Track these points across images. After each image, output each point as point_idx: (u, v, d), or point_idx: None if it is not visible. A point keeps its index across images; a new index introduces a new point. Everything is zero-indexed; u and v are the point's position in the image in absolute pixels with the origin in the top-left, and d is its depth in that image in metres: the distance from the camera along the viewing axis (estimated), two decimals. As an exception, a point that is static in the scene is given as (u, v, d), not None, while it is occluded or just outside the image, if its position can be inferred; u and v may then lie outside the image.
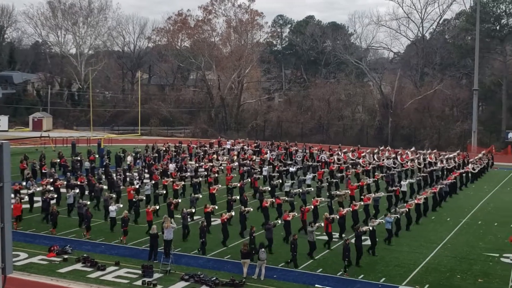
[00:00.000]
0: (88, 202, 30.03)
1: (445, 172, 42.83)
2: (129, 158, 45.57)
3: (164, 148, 52.30)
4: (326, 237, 25.43)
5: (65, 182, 35.33)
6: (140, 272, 21.81)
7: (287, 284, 21.18)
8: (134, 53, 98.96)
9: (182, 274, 21.61)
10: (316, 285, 21.07)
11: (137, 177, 38.05)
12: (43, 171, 40.10)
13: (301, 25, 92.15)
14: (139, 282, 21.05)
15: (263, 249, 21.79)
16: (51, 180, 35.04)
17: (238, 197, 31.05)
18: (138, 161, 45.69)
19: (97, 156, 46.85)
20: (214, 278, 21.15)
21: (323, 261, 23.75)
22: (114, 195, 31.78)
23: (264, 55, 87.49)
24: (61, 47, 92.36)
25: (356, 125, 76.61)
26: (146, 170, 41.98)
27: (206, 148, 53.23)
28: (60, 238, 26.61)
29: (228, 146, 55.87)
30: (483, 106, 78.67)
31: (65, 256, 23.56)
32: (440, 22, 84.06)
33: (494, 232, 29.03)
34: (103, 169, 41.51)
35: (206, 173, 39.43)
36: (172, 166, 41.69)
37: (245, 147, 54.62)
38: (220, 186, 34.28)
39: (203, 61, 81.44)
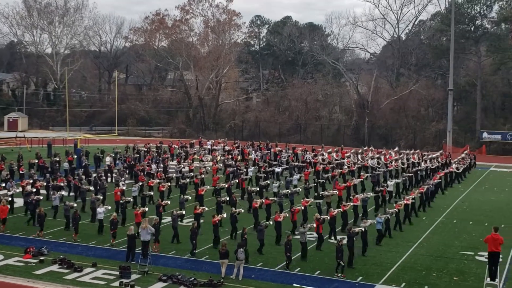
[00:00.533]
0: (75, 204, 29.55)
1: (429, 172, 43.32)
2: (108, 159, 45.22)
3: (145, 149, 52.06)
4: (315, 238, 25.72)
5: (44, 183, 34.90)
6: (117, 273, 21.71)
7: (265, 283, 21.28)
8: (111, 52, 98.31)
9: (160, 275, 21.59)
10: (294, 284, 21.20)
11: (122, 178, 37.64)
12: (21, 172, 39.57)
13: (279, 25, 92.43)
14: (116, 283, 20.96)
15: (241, 249, 21.86)
16: (31, 181, 34.64)
17: (227, 198, 30.87)
18: (117, 161, 45.29)
19: (75, 156, 46.46)
20: (192, 278, 21.16)
21: (301, 260, 23.88)
22: (101, 197, 31.33)
23: (242, 55, 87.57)
24: (37, 46, 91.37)
25: (333, 125, 77.09)
26: (127, 171, 41.71)
27: (187, 149, 53.06)
28: (36, 239, 26.36)
29: (209, 147, 55.68)
30: (458, 106, 79.64)
31: (42, 258, 23.37)
32: (416, 23, 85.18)
33: (469, 230, 29.46)
34: (83, 170, 41.11)
35: (192, 174, 39.05)
36: (154, 167, 41.30)
37: (226, 147, 54.52)
38: (208, 187, 34.06)
39: (180, 61, 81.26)
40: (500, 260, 21.27)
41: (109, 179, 39.27)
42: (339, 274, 21.97)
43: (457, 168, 44.44)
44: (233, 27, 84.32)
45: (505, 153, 61.08)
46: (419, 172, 41.60)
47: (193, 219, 27.15)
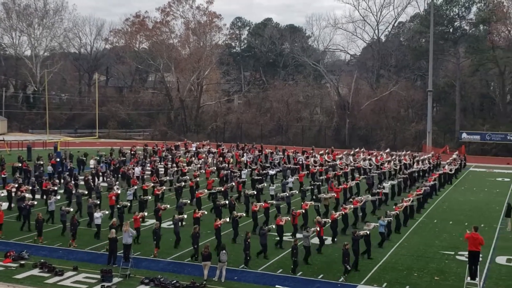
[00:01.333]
0: (71, 209, 29.11)
1: (420, 174, 43.74)
2: (92, 162, 44.89)
3: (132, 152, 51.69)
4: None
5: (30, 187, 34.35)
6: (99, 276, 21.60)
7: (248, 285, 21.32)
8: (91, 54, 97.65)
9: (142, 278, 21.53)
10: (277, 286, 21.25)
11: (117, 182, 37.21)
12: (3, 176, 38.99)
13: (259, 27, 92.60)
14: (98, 287, 20.86)
15: (223, 251, 21.86)
16: (16, 185, 34.30)
17: (226, 202, 30.31)
18: (102, 164, 44.72)
19: (58, 160, 46.03)
20: (175, 281, 21.13)
21: (283, 262, 23.96)
22: (98, 201, 30.93)
23: (223, 57, 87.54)
24: (16, 48, 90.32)
25: (314, 126, 77.41)
26: (113, 174, 41.21)
27: (174, 151, 52.71)
28: (16, 243, 26.12)
29: (194, 149, 55.37)
30: (437, 107, 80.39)
31: (22, 262, 23.16)
32: (395, 24, 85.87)
33: (449, 230, 29.75)
34: (68, 173, 40.60)
35: (187, 177, 38.60)
36: (137, 170, 40.87)
37: (211, 149, 54.25)
38: (206, 190, 33.71)
39: (161, 63, 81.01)
40: (480, 259, 21.54)
41: (96, 183, 38.47)
42: (341, 278, 21.83)
43: (450, 170, 44.68)
44: (214, 29, 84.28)
45: (484, 153, 61.86)
46: (413, 174, 41.84)
47: (193, 224, 26.40)
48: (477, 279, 20.56)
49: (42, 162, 43.37)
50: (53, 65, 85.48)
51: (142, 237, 26.28)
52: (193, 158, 49.37)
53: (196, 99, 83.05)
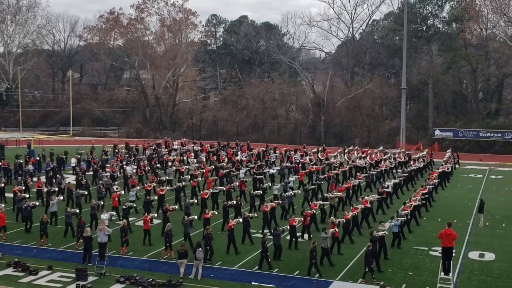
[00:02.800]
0: (77, 210, 28.56)
1: (418, 172, 44.29)
2: (73, 160, 44.38)
3: (116, 150, 51.06)
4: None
5: (23, 187, 33.59)
6: (74, 275, 21.45)
7: (224, 282, 21.37)
8: (65, 51, 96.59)
9: (118, 277, 21.45)
10: (253, 283, 21.36)
11: (115, 182, 36.66)
12: None
13: (235, 24, 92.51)
14: (73, 286, 20.71)
15: (200, 249, 21.89)
16: (2, 185, 33.84)
17: (234, 202, 29.48)
18: (82, 163, 44.10)
19: (38, 158, 45.37)
20: (151, 279, 21.09)
21: (259, 258, 24.03)
22: (101, 202, 30.41)
23: (199, 55, 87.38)
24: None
25: (290, 123, 77.66)
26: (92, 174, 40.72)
27: (160, 150, 52.15)
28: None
29: (175, 147, 54.86)
30: (410, 104, 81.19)
31: (-5, 262, 22.93)
32: (369, 22, 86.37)
33: (423, 226, 30.07)
34: (52, 172, 39.93)
35: (188, 177, 38.17)
36: (129, 169, 40.34)
37: (195, 147, 53.68)
38: (211, 190, 32.83)
39: (136, 60, 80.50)
40: (453, 254, 21.87)
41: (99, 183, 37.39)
42: (361, 279, 21.61)
43: (448, 168, 44.67)
44: (190, 26, 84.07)
45: (457, 150, 62.57)
46: (411, 172, 42.12)
47: (203, 225, 26.32)
48: (451, 274, 20.85)
49: (21, 161, 42.83)
50: (26, 62, 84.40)
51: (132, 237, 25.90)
52: (183, 156, 49.03)
53: (172, 96, 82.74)
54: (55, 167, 42.28)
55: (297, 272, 22.49)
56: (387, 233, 24.25)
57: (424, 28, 74.64)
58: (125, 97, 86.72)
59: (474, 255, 25.31)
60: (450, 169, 45.47)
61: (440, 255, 21.77)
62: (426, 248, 25.98)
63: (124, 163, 43.81)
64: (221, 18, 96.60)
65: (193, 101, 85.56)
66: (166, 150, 52.76)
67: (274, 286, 21.09)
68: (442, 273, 20.95)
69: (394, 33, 76.22)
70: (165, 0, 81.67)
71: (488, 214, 32.29)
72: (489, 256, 25.18)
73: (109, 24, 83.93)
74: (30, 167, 41.64)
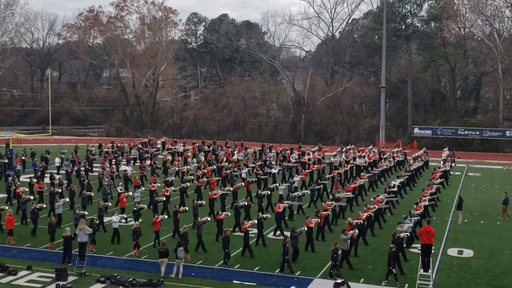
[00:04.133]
0: (86, 213, 27.99)
1: (419, 171, 44.67)
2: (57, 160, 43.91)
3: (105, 149, 50.56)
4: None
5: (27, 189, 33.26)
6: (53, 275, 21.31)
7: (205, 281, 21.38)
8: (44, 50, 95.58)
9: (98, 276, 21.35)
10: (234, 281, 21.40)
11: (120, 183, 36.23)
12: None
13: (215, 23, 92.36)
14: (53, 286, 20.57)
15: (181, 248, 21.86)
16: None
17: (245, 203, 28.85)
18: (65, 162, 43.42)
19: (23, 158, 44.82)
20: (131, 278, 21.03)
21: (240, 257, 24.12)
22: (109, 204, 30.02)
23: (179, 53, 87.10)
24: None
25: (271, 122, 77.80)
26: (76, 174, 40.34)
27: (154, 149, 51.75)
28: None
29: (159, 145, 54.31)
30: (390, 102, 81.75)
31: (-26, 262, 22.65)
32: (349, 21, 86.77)
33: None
34: (40, 173, 39.42)
35: (192, 177, 37.79)
36: (129, 169, 39.99)
37: (181, 147, 53.32)
38: (219, 191, 32.09)
39: (116, 58, 79.97)
40: (433, 251, 22.12)
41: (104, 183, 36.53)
42: (385, 282, 21.38)
43: (448, 166, 44.69)
44: (170, 25, 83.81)
45: (435, 148, 63.10)
46: (414, 172, 42.26)
47: (216, 226, 26.17)
48: (430, 271, 21.09)
49: (6, 160, 42.32)
50: (4, 60, 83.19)
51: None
52: (178, 156, 48.66)
53: (152, 95, 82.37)
54: (44, 166, 41.79)
55: (278, 270, 22.57)
56: (408, 234, 24.25)
57: (403, 27, 75.26)
58: (104, 95, 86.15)
59: (453, 251, 25.63)
60: (448, 167, 45.28)
61: (420, 252, 21.99)
62: (405, 245, 26.17)
63: (114, 162, 43.50)
64: (202, 17, 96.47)
65: (173, 100, 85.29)
66: (155, 149, 52.35)
67: (255, 284, 21.16)
68: (422, 270, 21.18)
69: (374, 32, 76.70)
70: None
71: (466, 211, 32.70)
72: (468, 252, 25.52)
73: (88, 22, 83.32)
74: (19, 167, 41.16)
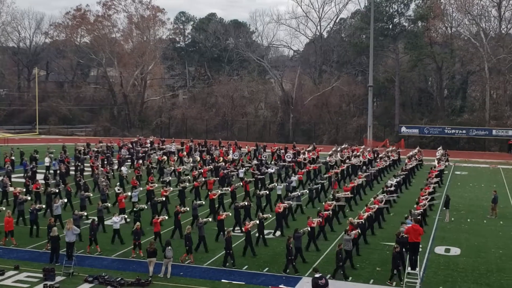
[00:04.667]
0: (85, 213, 27.80)
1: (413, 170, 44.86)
2: (47, 160, 43.59)
3: (96, 148, 50.25)
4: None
5: (24, 189, 32.83)
6: (41, 275, 21.21)
7: (194, 280, 21.37)
8: (31, 49, 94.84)
9: (86, 276, 21.28)
10: (223, 280, 21.41)
11: (118, 183, 35.98)
12: None
13: (204, 22, 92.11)
14: (40, 286, 20.48)
15: (169, 247, 21.84)
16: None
17: (245, 203, 28.66)
18: (54, 162, 43.10)
19: (13, 158, 44.49)
20: (119, 278, 20.98)
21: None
22: (109, 204, 29.74)
23: (167, 52, 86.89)
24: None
25: (259, 121, 77.86)
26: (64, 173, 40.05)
27: (146, 149, 51.54)
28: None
29: (149, 145, 54.11)
30: (377, 101, 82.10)
31: (-40, 263, 22.49)
32: (337, 21, 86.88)
33: (390, 221, 30.46)
34: (30, 173, 38.85)
35: (189, 177, 37.54)
36: (124, 169, 39.70)
37: (178, 146, 53.15)
38: (219, 191, 31.80)
39: (104, 57, 79.63)
40: (420, 250, 22.27)
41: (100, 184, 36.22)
42: (388, 281, 21.29)
43: (443, 166, 44.82)
44: (158, 23, 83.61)
45: (422, 147, 63.50)
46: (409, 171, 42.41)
47: (217, 226, 26.03)
48: (417, 269, 21.24)
49: None
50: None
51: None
52: (174, 156, 48.49)
53: (140, 94, 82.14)
54: (35, 166, 41.48)
55: (267, 269, 22.63)
56: None
57: (390, 26, 75.56)
58: (92, 94, 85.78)
59: (440, 250, 25.82)
60: (442, 166, 45.21)
61: (407, 250, 22.11)
62: (393, 244, 26.21)
63: (106, 162, 43.23)
64: (190, 16, 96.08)
65: (161, 99, 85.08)
66: (146, 148, 52.10)
67: (243, 283, 21.20)
68: (409, 268, 21.31)
69: (361, 31, 76.93)
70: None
71: (453, 210, 32.96)
72: (455, 250, 25.72)
73: (75, 21, 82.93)
74: (10, 167, 40.90)
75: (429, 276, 22.27)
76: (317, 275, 18.36)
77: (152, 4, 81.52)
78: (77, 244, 24.03)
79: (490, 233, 29.06)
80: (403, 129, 67.67)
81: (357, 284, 21.42)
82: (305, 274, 22.09)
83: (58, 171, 40.74)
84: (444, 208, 32.04)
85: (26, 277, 21.37)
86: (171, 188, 33.10)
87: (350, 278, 21.74)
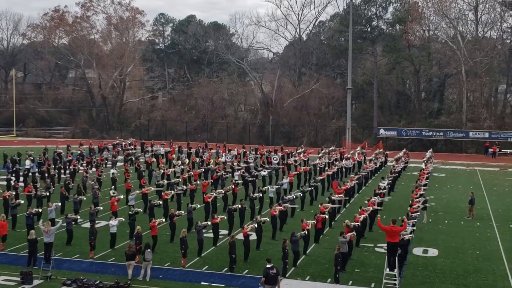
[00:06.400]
0: (78, 217, 27.23)
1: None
2: (28, 162, 43.03)
3: (79, 151, 49.71)
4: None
5: (13, 192, 32.38)
6: (18, 279, 21.01)
7: (173, 283, 21.33)
8: (8, 50, 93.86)
9: (64, 279, 21.10)
10: (202, 283, 21.39)
11: (113, 186, 35.69)
12: None
13: (183, 24, 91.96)
14: (18, 290, 20.32)
15: (148, 250, 21.78)
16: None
17: (239, 206, 28.48)
18: (32, 164, 42.50)
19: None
20: (98, 281, 20.86)
21: (209, 258, 24.13)
22: (101, 208, 29.27)
23: (147, 54, 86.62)
24: None
25: (239, 123, 77.89)
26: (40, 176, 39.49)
27: (134, 151, 51.21)
28: None
29: (130, 146, 53.66)
30: (356, 104, 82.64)
31: None
32: (316, 23, 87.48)
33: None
34: (14, 174, 38.57)
35: (180, 180, 37.21)
36: (114, 171, 39.40)
37: (162, 149, 52.83)
38: (214, 194, 31.60)
39: (82, 58, 79.10)
40: (398, 251, 22.43)
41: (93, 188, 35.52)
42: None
43: (430, 168, 45.21)
44: (137, 25, 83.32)
45: (401, 149, 63.83)
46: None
47: (212, 230, 25.88)
48: (396, 270, 21.41)
49: None
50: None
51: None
52: (162, 158, 48.25)
53: (119, 96, 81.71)
54: (18, 169, 40.95)
55: (246, 271, 22.65)
56: (413, 236, 24.35)
57: (368, 29, 76.12)
58: (70, 96, 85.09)
59: (418, 251, 26.03)
60: (430, 168, 45.77)
61: (385, 251, 22.30)
62: (372, 245, 26.56)
63: (95, 164, 43.14)
64: (169, 17, 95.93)
65: (141, 101, 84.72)
66: (129, 150, 51.76)
67: (223, 285, 21.19)
68: (388, 269, 21.47)
69: (340, 34, 77.44)
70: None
71: (431, 211, 33.22)
72: (433, 252, 25.97)
73: (54, 22, 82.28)
74: None
75: (407, 277, 22.45)
76: (268, 265, 19.01)
77: (132, 6, 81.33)
78: (55, 248, 23.74)
79: (467, 234, 29.40)
80: (382, 131, 68.15)
81: (338, 286, 21.46)
82: (285, 276, 22.04)
83: (37, 174, 40.21)
84: (422, 210, 32.27)
85: (4, 281, 21.14)
86: (172, 192, 32.71)
87: (329, 280, 21.84)
